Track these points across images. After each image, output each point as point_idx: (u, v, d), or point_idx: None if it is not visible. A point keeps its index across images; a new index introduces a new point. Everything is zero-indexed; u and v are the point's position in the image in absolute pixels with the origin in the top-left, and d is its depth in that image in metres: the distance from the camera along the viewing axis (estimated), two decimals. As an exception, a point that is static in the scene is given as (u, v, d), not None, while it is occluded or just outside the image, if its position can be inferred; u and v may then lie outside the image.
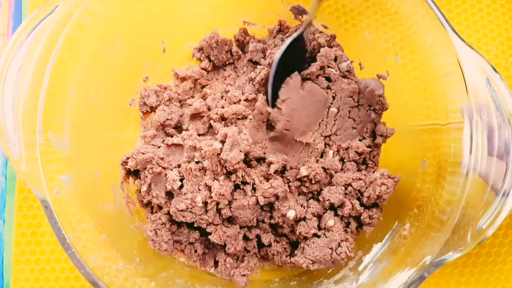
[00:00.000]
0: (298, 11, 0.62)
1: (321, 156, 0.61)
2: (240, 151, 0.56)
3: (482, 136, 0.47)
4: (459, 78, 0.49)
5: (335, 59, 0.60)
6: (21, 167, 0.47)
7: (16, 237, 0.64)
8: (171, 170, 0.58)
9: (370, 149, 0.60)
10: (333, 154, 0.60)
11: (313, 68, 0.58)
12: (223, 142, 0.58)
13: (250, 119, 0.60)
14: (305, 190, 0.59)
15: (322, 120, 0.60)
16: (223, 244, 0.58)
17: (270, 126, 0.61)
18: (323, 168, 0.60)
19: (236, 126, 0.60)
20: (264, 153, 0.60)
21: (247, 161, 0.59)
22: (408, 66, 0.58)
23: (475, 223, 0.46)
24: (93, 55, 0.54)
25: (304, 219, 0.58)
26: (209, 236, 0.58)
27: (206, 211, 0.57)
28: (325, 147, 0.61)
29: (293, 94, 0.58)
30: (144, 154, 0.58)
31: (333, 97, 0.60)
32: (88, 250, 0.48)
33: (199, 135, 0.63)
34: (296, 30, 0.63)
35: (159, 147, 0.62)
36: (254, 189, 0.58)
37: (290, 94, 0.58)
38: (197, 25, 0.66)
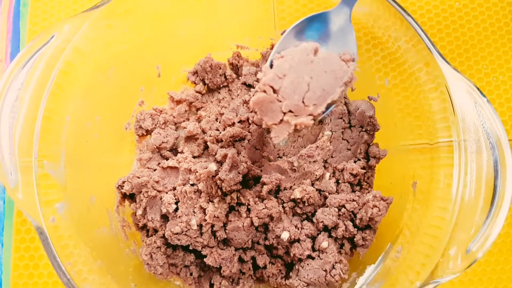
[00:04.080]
0: (290, 35, 0.63)
1: (317, 179, 0.61)
2: (239, 173, 0.57)
3: (470, 161, 0.47)
4: (447, 103, 0.50)
5: None
6: (18, 195, 0.47)
7: (14, 260, 0.64)
8: (166, 193, 0.59)
9: (364, 171, 0.61)
10: (330, 176, 0.61)
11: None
12: (221, 162, 0.58)
13: (249, 140, 0.61)
14: (299, 211, 0.60)
15: (331, 104, 0.46)
16: (218, 266, 0.58)
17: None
18: (318, 189, 0.60)
19: (234, 147, 0.61)
20: (261, 171, 0.61)
21: (245, 181, 0.60)
22: (398, 87, 0.58)
23: (465, 245, 0.46)
24: (88, 83, 0.55)
25: (298, 240, 0.58)
26: (205, 259, 0.58)
27: (201, 233, 0.57)
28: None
29: (298, 54, 0.46)
30: (139, 178, 0.59)
31: (325, 121, 0.61)
32: (83, 276, 0.49)
33: (194, 157, 0.64)
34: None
35: (154, 170, 0.63)
36: (248, 210, 0.58)
37: (294, 53, 0.47)
38: (191, 50, 0.67)
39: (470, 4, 0.72)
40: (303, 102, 0.45)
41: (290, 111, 0.45)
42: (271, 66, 0.47)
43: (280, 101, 0.45)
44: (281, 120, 0.45)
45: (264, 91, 0.45)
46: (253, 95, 0.45)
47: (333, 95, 0.45)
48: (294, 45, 0.49)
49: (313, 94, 0.45)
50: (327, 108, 0.46)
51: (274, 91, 0.45)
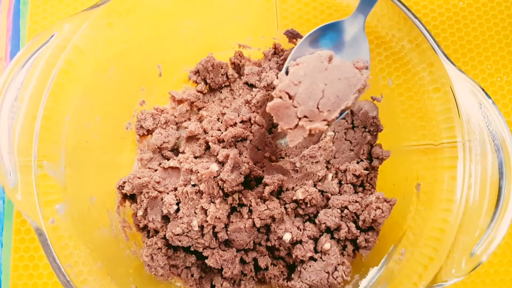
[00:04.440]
0: (292, 35, 0.63)
1: (320, 180, 0.61)
2: (241, 173, 0.56)
3: (475, 163, 0.47)
4: (451, 103, 0.49)
5: None
6: (17, 196, 0.47)
7: (14, 261, 0.64)
8: (167, 193, 0.59)
9: (367, 172, 0.60)
10: (332, 177, 0.61)
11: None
12: (222, 163, 0.58)
13: (251, 140, 0.61)
14: (301, 212, 0.59)
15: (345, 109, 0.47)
16: (219, 268, 0.58)
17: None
18: (321, 190, 0.60)
19: (236, 148, 0.61)
20: (263, 171, 0.60)
21: (247, 181, 0.59)
22: (401, 87, 0.58)
23: (469, 249, 0.46)
24: (88, 83, 0.54)
25: (301, 242, 0.58)
26: (206, 260, 0.58)
27: (203, 234, 0.57)
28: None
29: (313, 61, 0.48)
30: (140, 178, 0.58)
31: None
32: (83, 278, 0.48)
33: (195, 157, 0.64)
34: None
35: (155, 170, 0.63)
36: (250, 211, 0.58)
37: (309, 61, 0.49)
38: (192, 49, 0.66)
39: (474, 3, 0.72)
40: (317, 108, 0.46)
41: (305, 116, 0.46)
42: (287, 73, 0.49)
43: (296, 107, 0.46)
44: (296, 125, 0.47)
45: (280, 97, 0.47)
46: (268, 100, 0.48)
47: (347, 101, 0.46)
48: (309, 53, 0.51)
49: (327, 100, 0.46)
50: (340, 114, 0.47)
51: (290, 97, 0.47)
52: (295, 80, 0.47)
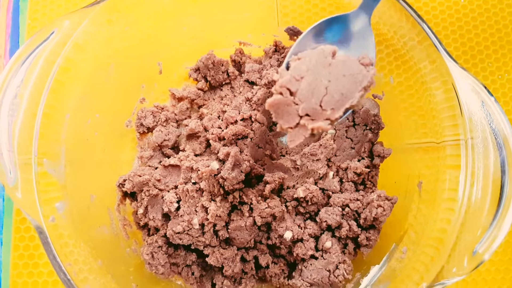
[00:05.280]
0: (293, 32, 0.63)
1: (321, 178, 0.61)
2: (241, 171, 0.56)
3: (477, 161, 0.47)
4: (454, 101, 0.49)
5: None
6: (17, 195, 0.47)
7: (14, 259, 0.64)
8: (168, 191, 0.58)
9: (368, 170, 0.60)
10: (333, 175, 0.60)
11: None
12: (223, 161, 0.58)
13: (251, 138, 0.60)
14: (302, 210, 0.59)
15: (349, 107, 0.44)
16: (220, 266, 0.58)
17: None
18: (322, 188, 0.60)
19: (237, 146, 0.61)
20: (264, 169, 0.60)
21: (247, 179, 0.59)
22: (403, 85, 0.58)
23: (471, 247, 0.45)
24: (89, 80, 0.54)
25: (301, 240, 0.57)
26: (207, 259, 0.57)
27: (203, 233, 0.57)
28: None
29: (316, 56, 0.45)
30: (140, 176, 0.58)
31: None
32: (83, 276, 0.48)
33: (196, 155, 0.63)
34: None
35: (156, 168, 0.62)
36: (251, 209, 0.57)
37: (311, 55, 0.45)
38: (193, 46, 0.66)
39: (475, 1, 0.71)
40: (320, 105, 0.43)
41: (307, 114, 0.43)
42: (287, 68, 0.45)
43: (297, 104, 0.43)
44: (297, 124, 0.43)
45: (281, 93, 0.43)
46: (269, 97, 0.44)
47: (351, 99, 0.43)
48: (311, 48, 0.48)
49: (331, 98, 0.43)
50: (344, 113, 0.44)
51: (291, 94, 0.43)
52: (297, 75, 0.44)
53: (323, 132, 0.46)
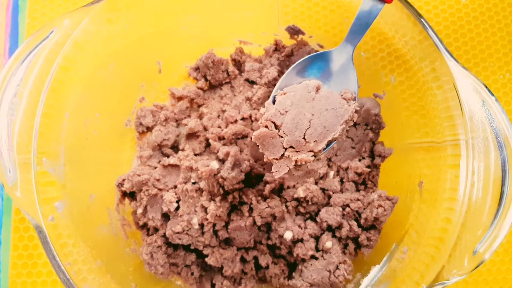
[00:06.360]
0: (294, 31, 0.63)
1: (321, 178, 0.60)
2: (241, 171, 0.56)
3: (478, 161, 0.46)
4: (455, 101, 0.49)
5: None
6: (16, 194, 0.46)
7: (13, 258, 0.63)
8: (167, 191, 0.58)
9: (369, 170, 0.60)
10: (334, 175, 0.60)
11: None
12: (223, 160, 0.57)
13: (251, 138, 0.60)
14: (302, 210, 0.59)
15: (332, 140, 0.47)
16: (220, 266, 0.58)
17: None
18: (322, 188, 0.60)
19: (237, 145, 0.60)
20: (264, 169, 0.60)
21: (247, 179, 0.59)
22: (404, 84, 0.57)
23: (472, 247, 0.45)
24: (88, 79, 0.54)
25: (302, 240, 0.57)
26: (206, 259, 0.57)
27: (203, 233, 0.56)
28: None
29: (300, 90, 0.48)
30: (139, 176, 0.58)
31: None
32: (83, 276, 0.48)
33: (195, 155, 0.63)
34: (292, 50, 0.64)
35: (155, 168, 0.62)
36: (251, 209, 0.57)
37: (296, 90, 0.48)
38: (193, 45, 0.66)
39: (477, 0, 0.71)
40: (304, 138, 0.46)
41: (291, 146, 0.46)
42: (274, 102, 0.48)
43: (282, 137, 0.46)
44: (282, 155, 0.46)
45: (266, 126, 0.46)
46: (255, 131, 0.47)
47: (333, 132, 0.46)
48: (296, 82, 0.50)
49: (314, 130, 0.46)
50: (327, 145, 0.47)
51: (276, 127, 0.47)
52: (282, 109, 0.47)
53: (307, 163, 0.49)
